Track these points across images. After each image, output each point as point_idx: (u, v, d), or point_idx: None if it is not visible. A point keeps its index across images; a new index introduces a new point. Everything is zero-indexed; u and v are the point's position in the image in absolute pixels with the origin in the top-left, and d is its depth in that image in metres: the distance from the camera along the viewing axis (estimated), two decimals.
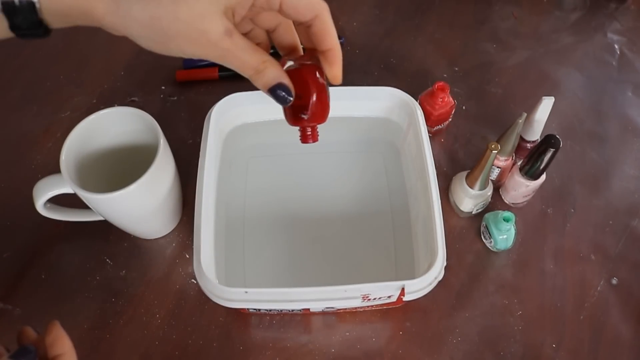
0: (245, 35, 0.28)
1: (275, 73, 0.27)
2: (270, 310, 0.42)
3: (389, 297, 0.38)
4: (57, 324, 0.28)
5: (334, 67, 0.28)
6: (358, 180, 0.50)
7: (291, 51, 0.30)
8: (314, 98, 0.29)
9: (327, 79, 0.29)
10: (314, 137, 0.32)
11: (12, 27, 0.26)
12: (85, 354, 0.42)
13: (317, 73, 0.28)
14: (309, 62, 0.29)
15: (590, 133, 0.54)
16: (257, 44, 0.29)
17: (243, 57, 0.26)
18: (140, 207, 0.41)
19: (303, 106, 0.29)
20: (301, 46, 0.30)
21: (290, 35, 0.30)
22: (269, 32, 0.30)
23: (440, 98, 0.49)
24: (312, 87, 0.28)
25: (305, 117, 0.29)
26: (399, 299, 0.38)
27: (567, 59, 0.59)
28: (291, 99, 0.28)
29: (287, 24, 0.29)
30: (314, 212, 0.48)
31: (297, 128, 0.32)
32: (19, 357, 0.26)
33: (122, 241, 0.47)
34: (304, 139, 0.33)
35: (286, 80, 0.27)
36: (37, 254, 0.46)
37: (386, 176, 0.50)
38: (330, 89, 0.47)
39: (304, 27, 0.28)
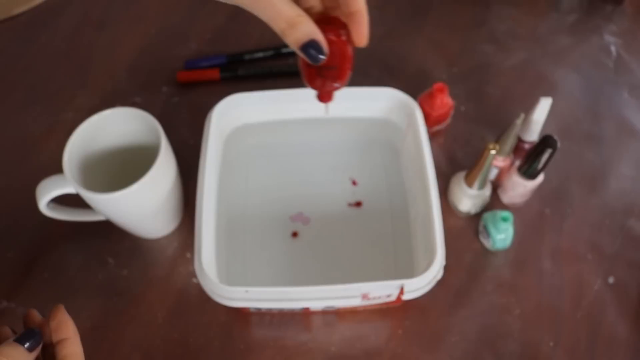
0: None
1: (309, 28, 0.25)
2: (270, 309, 0.43)
3: (389, 296, 0.38)
4: (61, 308, 0.28)
5: (362, 29, 0.27)
6: (358, 180, 0.50)
7: (311, 10, 0.29)
8: (343, 61, 0.28)
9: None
10: (330, 97, 0.32)
11: None
12: (87, 353, 0.42)
13: (345, 35, 0.28)
14: (336, 24, 0.28)
15: (587, 134, 0.54)
16: None
17: (278, 5, 0.24)
18: (141, 207, 0.42)
19: (331, 68, 0.28)
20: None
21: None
22: None
23: (439, 99, 0.49)
24: (341, 49, 0.28)
25: (330, 80, 0.29)
26: (398, 298, 0.39)
27: (564, 60, 0.59)
28: (323, 57, 0.26)
29: None
30: (314, 212, 0.48)
31: (313, 93, 0.31)
32: (25, 339, 0.26)
33: (124, 241, 0.47)
34: (322, 98, 0.32)
35: (320, 37, 0.26)
36: (40, 254, 0.47)
37: (385, 176, 0.50)
38: None
39: None
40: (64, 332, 0.27)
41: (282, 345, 0.43)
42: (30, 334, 0.26)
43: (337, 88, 0.31)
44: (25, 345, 0.26)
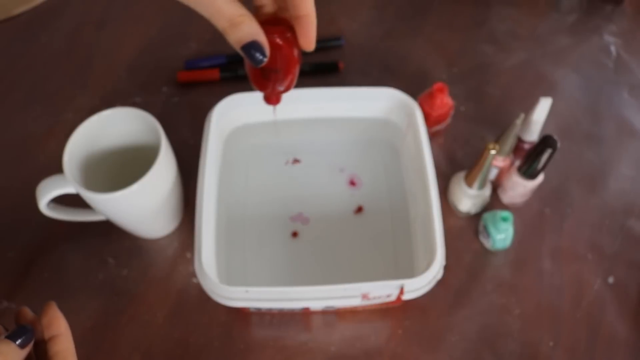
0: None
1: (252, 29, 0.25)
2: (270, 309, 0.43)
3: (388, 296, 0.38)
4: (53, 305, 0.28)
5: (309, 34, 0.27)
6: (357, 181, 0.50)
7: (262, 9, 0.28)
8: (287, 65, 0.28)
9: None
10: (278, 100, 0.31)
11: None
12: (87, 353, 0.42)
13: (291, 38, 0.27)
14: (282, 26, 0.27)
15: (587, 134, 0.54)
16: None
17: (219, 3, 0.24)
18: (141, 207, 0.42)
19: (274, 71, 0.28)
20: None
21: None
22: None
23: (439, 99, 0.49)
24: (286, 52, 0.27)
25: (275, 82, 0.28)
26: (398, 297, 0.39)
27: (564, 60, 0.59)
28: (265, 59, 0.26)
29: None
30: (314, 212, 0.48)
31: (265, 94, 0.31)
32: (16, 336, 0.26)
33: (124, 241, 0.47)
34: (268, 100, 0.31)
35: (262, 39, 0.25)
36: (40, 254, 0.47)
37: (385, 176, 0.50)
38: (330, 89, 0.48)
39: None
40: (56, 329, 0.27)
41: (282, 345, 0.43)
42: (22, 331, 0.26)
43: (282, 91, 0.30)
44: (17, 342, 0.25)
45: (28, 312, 0.28)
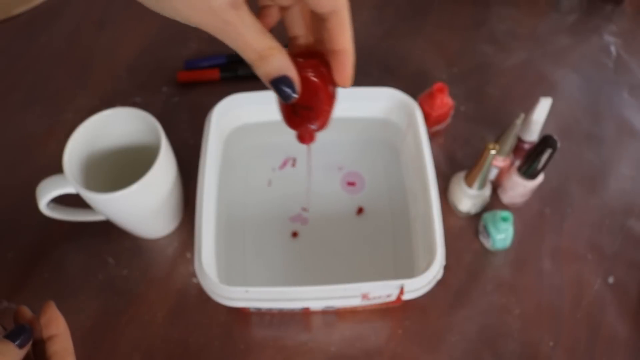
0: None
1: (282, 62, 0.23)
2: (270, 309, 0.43)
3: (388, 296, 0.38)
4: (52, 305, 0.28)
5: (346, 70, 0.25)
6: (357, 181, 0.50)
7: (297, 40, 0.27)
8: (320, 102, 0.25)
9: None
10: (312, 139, 0.30)
11: None
12: (87, 353, 0.43)
13: (325, 73, 0.25)
14: (317, 60, 0.25)
15: (587, 134, 0.54)
16: (264, 19, 0.25)
17: (247, 36, 0.22)
18: (142, 206, 0.42)
19: (306, 108, 0.26)
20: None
21: (302, 21, 0.26)
22: (282, 11, 0.26)
23: (439, 99, 0.49)
24: (319, 89, 0.25)
25: (307, 121, 0.27)
26: (398, 297, 0.39)
27: (564, 60, 0.59)
28: (295, 96, 0.24)
29: (303, 8, 0.26)
30: (314, 212, 0.48)
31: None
32: (15, 335, 0.26)
33: (124, 241, 0.47)
34: (301, 139, 0.30)
35: (293, 74, 0.24)
36: (40, 254, 0.47)
37: (385, 176, 0.50)
38: None
39: (318, 20, 0.25)
40: (55, 328, 0.27)
41: (282, 345, 0.43)
42: (21, 330, 0.26)
43: (315, 130, 0.28)
44: (16, 342, 0.25)
45: (27, 312, 0.28)
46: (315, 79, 0.25)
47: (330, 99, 0.26)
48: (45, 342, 0.27)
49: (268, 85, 0.24)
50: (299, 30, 0.26)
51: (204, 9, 0.21)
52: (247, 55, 0.23)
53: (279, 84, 0.24)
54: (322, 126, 0.28)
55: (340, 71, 0.25)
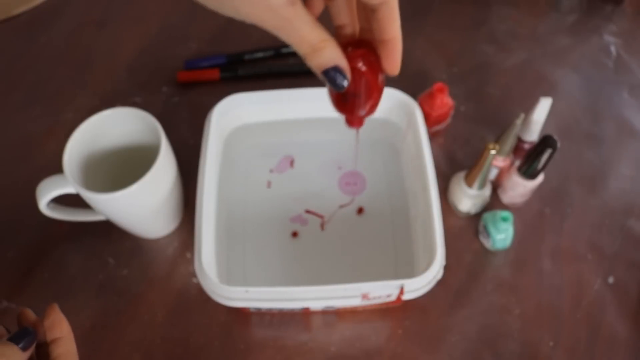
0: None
1: (334, 54, 0.24)
2: (270, 309, 0.43)
3: (388, 296, 0.38)
4: (55, 308, 0.28)
5: (395, 58, 0.26)
6: (358, 180, 0.50)
7: (343, 29, 0.27)
8: (370, 90, 0.27)
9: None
10: (361, 123, 0.31)
11: None
12: (87, 353, 0.42)
13: (374, 62, 0.26)
14: (366, 49, 0.26)
15: (587, 134, 0.54)
16: (310, 10, 0.26)
17: (303, 30, 0.23)
18: (142, 206, 0.42)
19: (356, 95, 0.27)
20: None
21: (347, 10, 0.27)
22: (327, 1, 0.27)
23: (439, 99, 0.49)
24: (368, 78, 0.26)
25: (356, 107, 0.28)
26: (398, 297, 0.39)
27: (564, 60, 0.59)
28: (346, 84, 0.25)
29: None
30: (314, 212, 0.48)
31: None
32: (19, 338, 0.26)
33: (124, 241, 0.47)
34: (350, 123, 0.31)
35: (344, 64, 0.25)
36: (40, 254, 0.47)
37: (385, 176, 0.50)
38: None
39: (367, 11, 0.25)
40: (58, 331, 0.27)
41: (282, 345, 0.43)
42: (24, 333, 0.26)
43: (364, 116, 0.29)
44: (20, 345, 0.26)
45: (30, 314, 0.29)
46: (364, 68, 0.26)
47: (379, 86, 0.27)
48: (48, 345, 0.27)
49: (320, 75, 0.25)
50: (345, 19, 0.27)
51: (264, 7, 0.22)
52: (302, 48, 0.24)
53: (331, 74, 0.25)
54: (370, 112, 0.29)
55: (390, 59, 0.26)
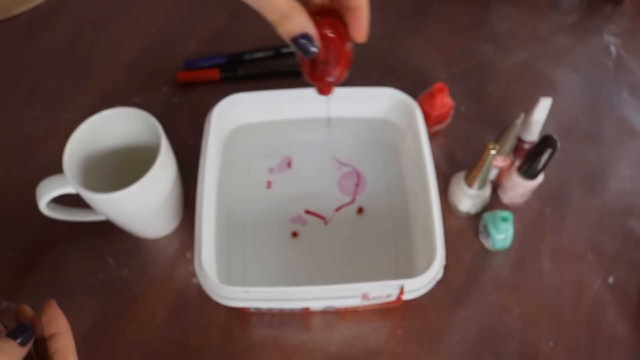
0: None
1: (303, 21, 0.25)
2: (270, 309, 0.43)
3: (389, 296, 0.38)
4: (53, 303, 0.28)
5: (361, 26, 0.27)
6: (358, 180, 0.50)
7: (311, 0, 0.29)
8: (338, 57, 0.28)
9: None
10: (329, 91, 0.32)
11: None
12: (87, 353, 0.42)
13: (342, 30, 0.27)
14: (333, 17, 0.27)
15: (587, 134, 0.54)
16: None
17: None
18: (141, 206, 0.42)
19: (325, 63, 0.28)
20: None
21: None
22: None
23: (439, 99, 0.49)
24: (336, 44, 0.27)
25: (326, 74, 0.29)
26: (398, 297, 0.39)
27: (564, 60, 0.59)
28: (315, 50, 0.26)
29: None
30: (314, 212, 0.48)
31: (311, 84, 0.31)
32: (17, 334, 0.26)
33: (124, 241, 0.47)
34: (320, 91, 0.32)
35: (312, 31, 0.26)
36: (40, 254, 0.47)
37: (385, 176, 0.50)
38: None
39: None
40: (56, 327, 0.28)
41: (282, 345, 0.43)
42: (22, 329, 0.26)
43: (332, 83, 0.30)
44: (18, 340, 0.26)
45: (28, 310, 0.29)
46: (332, 35, 0.27)
47: (347, 53, 0.28)
48: (46, 341, 0.27)
49: (289, 42, 0.26)
50: None
51: None
52: (271, 14, 0.25)
53: (300, 40, 0.26)
54: (338, 79, 0.30)
55: (357, 27, 0.27)
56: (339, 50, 0.28)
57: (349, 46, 0.28)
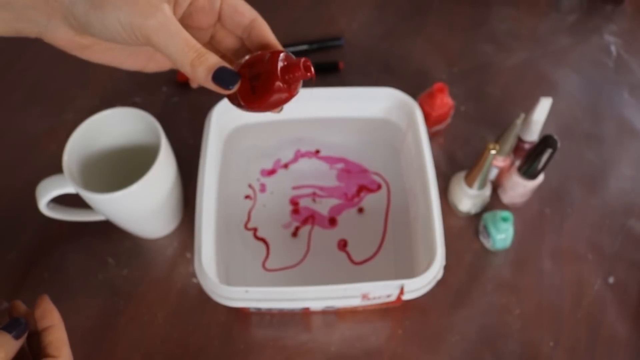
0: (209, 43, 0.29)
1: (216, 58, 0.26)
2: (270, 309, 0.43)
3: (389, 296, 0.38)
4: (45, 298, 0.29)
5: (268, 30, 0.29)
6: (358, 180, 0.50)
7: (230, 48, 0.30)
8: (265, 65, 0.27)
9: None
10: (279, 106, 0.31)
11: None
12: (87, 353, 0.42)
13: (275, 58, 0.27)
14: (260, 52, 0.28)
15: (588, 133, 0.54)
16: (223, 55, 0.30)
17: (185, 34, 0.25)
18: (141, 206, 0.42)
19: (256, 77, 0.27)
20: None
21: (264, 34, 0.29)
22: (244, 39, 0.30)
23: (439, 99, 0.49)
24: (260, 56, 0.27)
25: (266, 89, 0.27)
26: (398, 298, 0.38)
27: (565, 60, 0.59)
28: (238, 79, 0.26)
29: (259, 24, 0.29)
30: (314, 211, 0.48)
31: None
32: (11, 328, 0.26)
33: (124, 241, 0.47)
34: (274, 105, 0.30)
35: (227, 64, 0.26)
36: (40, 254, 0.47)
37: (385, 176, 0.50)
38: (330, 89, 0.48)
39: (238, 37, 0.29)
40: (49, 320, 0.28)
41: (282, 345, 0.43)
42: (16, 323, 0.27)
43: (284, 99, 0.29)
44: (12, 334, 0.26)
45: (21, 305, 0.29)
46: (254, 53, 0.28)
47: (273, 58, 0.27)
48: (40, 334, 0.28)
49: (210, 80, 0.26)
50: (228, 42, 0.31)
51: (144, 6, 0.24)
52: (187, 54, 0.25)
53: (220, 74, 0.26)
54: (265, 106, 0.28)
55: (266, 32, 0.29)
56: (265, 58, 0.27)
57: (274, 54, 0.27)
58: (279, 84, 0.27)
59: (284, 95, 0.28)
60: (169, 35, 0.25)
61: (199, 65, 0.25)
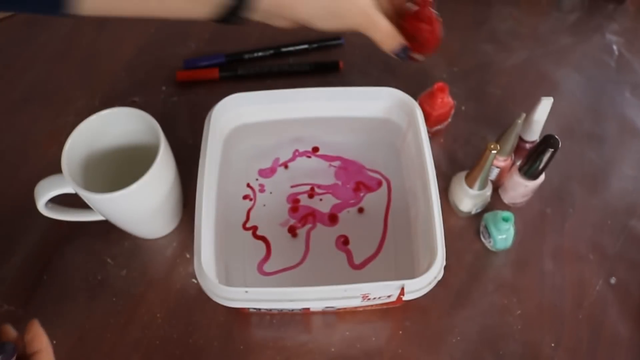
0: None
1: (400, 39, 0.37)
2: (270, 309, 0.42)
3: (389, 296, 0.38)
4: (35, 323, 0.30)
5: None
6: (358, 180, 0.50)
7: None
8: (425, 40, 0.39)
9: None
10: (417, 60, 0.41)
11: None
12: (86, 354, 0.42)
13: (431, 13, 0.39)
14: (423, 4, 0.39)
15: (589, 133, 0.54)
16: None
17: (383, 23, 0.36)
18: (141, 207, 0.41)
19: (419, 45, 0.39)
20: None
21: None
22: None
23: (440, 98, 0.49)
24: (425, 32, 0.39)
25: (417, 54, 0.40)
26: (399, 298, 0.38)
27: (566, 59, 0.59)
28: (408, 55, 0.39)
29: None
30: (314, 211, 0.48)
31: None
32: (0, 352, 0.28)
33: (123, 241, 0.47)
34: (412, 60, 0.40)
35: (405, 43, 0.38)
36: (39, 254, 0.47)
37: (386, 176, 0.50)
38: (330, 89, 0.47)
39: None
40: (38, 344, 0.30)
41: (282, 346, 0.43)
42: (5, 347, 0.28)
43: (427, 49, 0.41)
44: (0, 357, 0.28)
45: (10, 330, 0.31)
46: (418, 13, 0.39)
47: (434, 29, 0.40)
48: (29, 358, 0.29)
49: (391, 54, 0.38)
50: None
51: (358, 12, 0.35)
52: (386, 39, 0.37)
53: (399, 52, 0.38)
54: (428, 50, 0.40)
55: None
56: (431, 33, 0.40)
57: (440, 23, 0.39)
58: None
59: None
60: (371, 28, 0.36)
61: (390, 45, 0.38)
